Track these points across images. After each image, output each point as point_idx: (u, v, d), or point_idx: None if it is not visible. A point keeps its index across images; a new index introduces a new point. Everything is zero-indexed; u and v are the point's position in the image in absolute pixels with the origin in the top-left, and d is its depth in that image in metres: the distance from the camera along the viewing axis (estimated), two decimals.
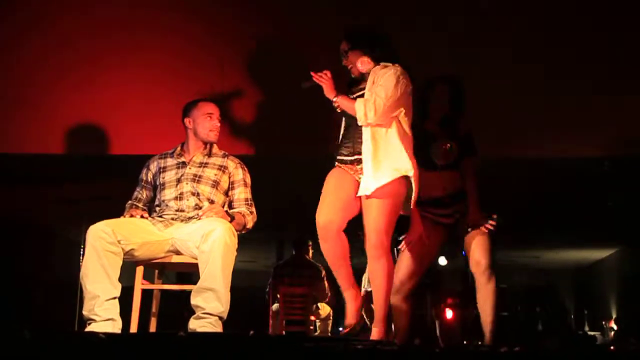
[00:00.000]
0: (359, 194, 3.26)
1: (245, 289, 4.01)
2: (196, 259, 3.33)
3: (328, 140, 3.76)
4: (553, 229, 9.02)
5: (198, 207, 3.50)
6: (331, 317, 6.47)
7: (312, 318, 6.19)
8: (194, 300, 3.20)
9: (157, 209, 3.59)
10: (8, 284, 6.69)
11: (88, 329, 3.18)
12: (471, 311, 10.46)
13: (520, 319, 11.62)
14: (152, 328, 3.52)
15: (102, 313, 3.20)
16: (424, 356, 2.47)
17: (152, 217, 3.53)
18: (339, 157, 3.40)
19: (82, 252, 5.11)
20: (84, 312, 3.23)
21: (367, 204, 3.25)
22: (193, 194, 3.53)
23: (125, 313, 3.30)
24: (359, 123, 3.28)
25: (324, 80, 3.36)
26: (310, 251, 6.39)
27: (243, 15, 4.67)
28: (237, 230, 3.39)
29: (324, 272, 6.19)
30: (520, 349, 2.61)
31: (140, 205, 3.66)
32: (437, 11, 4.62)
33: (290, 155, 4.77)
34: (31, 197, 6.70)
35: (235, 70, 4.48)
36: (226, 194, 3.63)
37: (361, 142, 3.29)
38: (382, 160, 3.23)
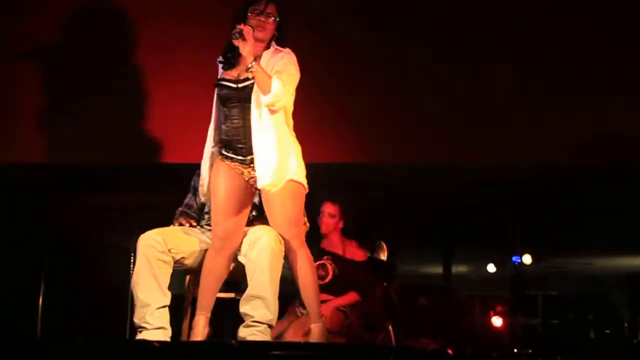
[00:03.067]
0: (260, 185, 3.07)
1: (292, 295, 3.99)
2: (242, 267, 3.33)
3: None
4: (606, 235, 8.83)
5: None
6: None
7: None
8: (243, 309, 3.20)
9: (206, 216, 3.60)
10: (61, 291, 6.80)
11: (139, 336, 3.20)
12: (519, 319, 10.31)
13: (572, 327, 11.40)
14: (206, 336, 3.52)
15: (153, 321, 3.21)
16: None
17: (202, 226, 3.55)
18: (227, 154, 3.18)
19: (132, 261, 5.17)
20: (135, 320, 3.25)
21: (275, 196, 3.11)
22: None
23: (174, 321, 3.32)
24: (264, 102, 3.01)
25: (250, 38, 3.05)
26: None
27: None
28: None
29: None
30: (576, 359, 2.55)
31: (190, 212, 3.68)
32: None
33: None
34: (82, 206, 6.81)
35: None
36: None
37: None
38: (286, 155, 3.09)
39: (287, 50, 3.19)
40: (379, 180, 5.58)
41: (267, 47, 3.19)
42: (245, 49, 3.05)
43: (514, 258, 9.83)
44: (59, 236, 7.11)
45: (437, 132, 4.72)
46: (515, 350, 7.69)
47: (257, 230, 3.27)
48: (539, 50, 4.63)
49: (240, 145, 3.18)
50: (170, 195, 4.00)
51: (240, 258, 3.33)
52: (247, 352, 2.38)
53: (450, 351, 3.19)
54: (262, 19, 3.15)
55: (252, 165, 3.15)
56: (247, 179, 3.21)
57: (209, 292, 3.24)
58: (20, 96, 4.81)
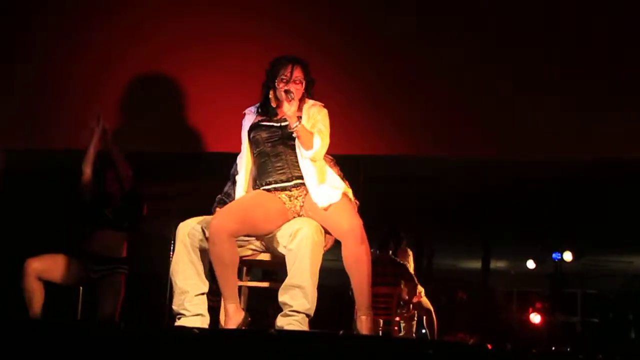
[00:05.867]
0: (322, 205, 3.25)
1: (330, 288, 3.99)
2: (282, 257, 3.34)
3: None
4: None
5: None
6: (416, 318, 6.38)
7: (397, 319, 6.12)
8: (282, 298, 3.20)
9: None
10: None
11: (177, 323, 3.23)
12: (558, 316, 10.20)
13: (612, 326, 11.22)
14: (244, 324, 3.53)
15: (192, 308, 3.23)
16: None
17: None
18: (271, 186, 3.32)
19: (171, 248, 5.22)
20: (174, 307, 3.27)
21: (336, 214, 3.24)
22: None
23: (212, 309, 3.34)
24: (306, 156, 3.26)
25: (294, 101, 3.26)
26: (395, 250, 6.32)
27: (321, 18, 4.74)
28: None
29: (411, 271, 6.12)
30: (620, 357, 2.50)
31: (229, 201, 3.69)
32: None
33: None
34: None
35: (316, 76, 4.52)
36: None
37: (297, 168, 3.30)
38: (326, 178, 3.31)
39: (321, 104, 3.40)
40: (420, 174, 5.55)
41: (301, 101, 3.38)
42: (292, 109, 3.23)
43: (554, 255, 9.72)
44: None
45: (480, 127, 4.69)
46: (554, 348, 7.59)
47: (298, 221, 3.29)
48: (585, 48, 4.56)
49: (282, 175, 3.32)
50: (209, 183, 4.03)
51: (281, 249, 3.34)
52: (285, 341, 2.37)
53: (489, 346, 3.16)
54: (291, 85, 3.30)
55: (296, 188, 3.31)
56: (284, 202, 3.31)
57: (226, 281, 3.22)
58: (67, 83, 4.91)
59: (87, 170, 4.59)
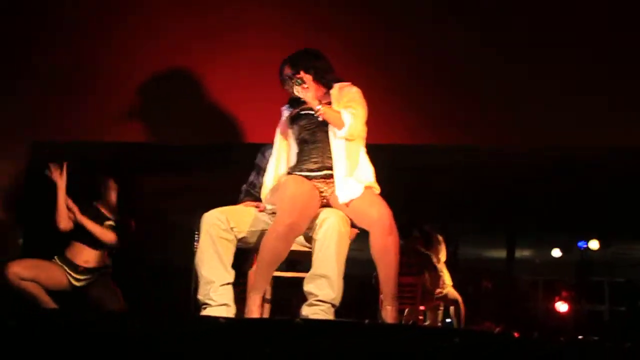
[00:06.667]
0: (342, 201, 3.26)
1: (354, 277, 3.99)
2: (306, 247, 3.34)
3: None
4: None
5: None
6: (441, 307, 6.37)
7: (422, 308, 6.11)
8: (307, 287, 3.21)
9: (266, 196, 3.61)
10: (128, 269, 6.94)
11: (203, 313, 3.25)
12: (585, 305, 10.10)
13: None
14: (266, 314, 3.55)
15: (217, 298, 3.25)
16: (549, 348, 2.37)
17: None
18: (304, 174, 3.36)
19: (195, 239, 5.24)
20: (199, 297, 3.29)
21: (363, 205, 3.24)
22: None
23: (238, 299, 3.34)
24: (340, 135, 3.28)
25: (310, 85, 3.35)
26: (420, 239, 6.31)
27: (343, 8, 4.73)
28: None
29: (435, 261, 6.11)
30: None
31: (254, 191, 3.71)
32: None
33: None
34: (146, 186, 6.93)
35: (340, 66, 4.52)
36: None
37: (330, 158, 3.31)
38: (355, 170, 3.32)
39: (349, 83, 3.44)
40: (445, 163, 5.52)
41: (329, 87, 3.43)
42: (308, 95, 3.31)
43: (580, 243, 9.63)
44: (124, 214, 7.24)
45: (506, 116, 4.68)
46: (581, 337, 7.51)
47: (324, 212, 3.29)
48: (617, 35, 4.52)
49: (314, 164, 3.36)
50: (231, 174, 4.04)
51: (305, 239, 3.34)
52: (311, 330, 2.37)
53: (516, 334, 3.14)
54: (290, 84, 3.38)
55: (323, 179, 3.33)
56: (317, 189, 3.34)
57: (266, 274, 3.26)
58: (90, 77, 4.94)
59: (62, 226, 4.57)
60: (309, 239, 3.35)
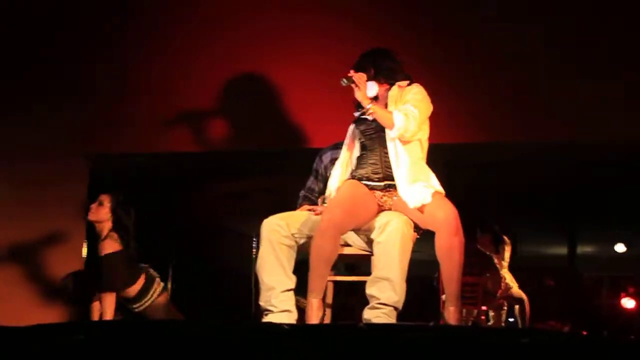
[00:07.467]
0: (414, 206, 3.18)
1: (414, 278, 3.96)
2: (365, 250, 3.32)
3: None
4: None
5: None
6: (505, 307, 6.27)
7: (484, 308, 6.04)
8: (369, 290, 3.19)
9: (327, 200, 3.61)
10: (187, 277, 7.03)
11: (265, 319, 3.25)
12: None
13: None
14: (327, 319, 3.54)
15: (279, 304, 3.25)
16: (620, 347, 2.30)
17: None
18: (365, 182, 3.30)
19: (254, 245, 5.26)
20: (261, 303, 3.30)
21: (430, 206, 3.18)
22: None
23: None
24: (393, 136, 3.21)
25: (362, 83, 3.27)
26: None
27: (398, 13, 4.72)
28: None
29: (495, 262, 6.03)
30: None
31: (312, 196, 3.71)
32: None
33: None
34: (203, 193, 7.00)
35: None
36: None
37: (390, 167, 3.25)
38: (420, 175, 3.25)
39: (417, 84, 3.36)
40: (503, 158, 5.46)
41: (391, 85, 3.38)
42: (359, 94, 3.27)
43: None
44: (184, 223, 7.35)
45: (564, 109, 4.62)
46: None
47: (387, 214, 3.27)
48: None
49: (374, 174, 3.32)
50: (291, 179, 4.04)
51: (366, 242, 3.32)
52: (375, 334, 2.35)
53: (584, 333, 3.07)
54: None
55: (386, 190, 3.30)
56: (377, 199, 3.31)
57: (316, 274, 3.23)
58: (146, 85, 5.02)
59: None
60: (369, 242, 3.32)
